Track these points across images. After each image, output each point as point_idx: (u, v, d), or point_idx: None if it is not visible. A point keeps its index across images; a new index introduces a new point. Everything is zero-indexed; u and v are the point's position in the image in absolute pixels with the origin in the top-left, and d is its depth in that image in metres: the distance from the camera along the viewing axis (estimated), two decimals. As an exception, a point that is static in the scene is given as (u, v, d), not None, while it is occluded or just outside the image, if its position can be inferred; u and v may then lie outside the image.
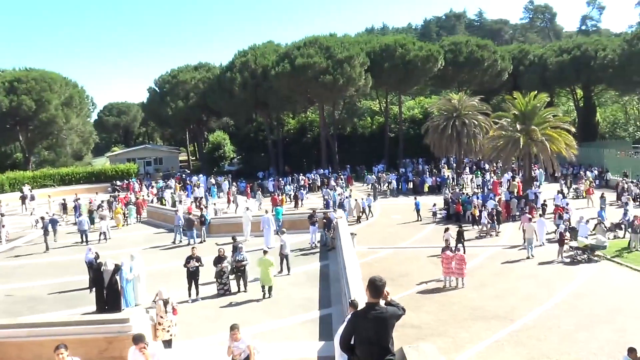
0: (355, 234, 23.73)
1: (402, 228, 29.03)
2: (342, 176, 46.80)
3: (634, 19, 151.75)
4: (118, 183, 49.38)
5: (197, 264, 16.34)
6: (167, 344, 11.80)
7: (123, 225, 31.15)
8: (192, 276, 16.41)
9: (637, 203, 31.46)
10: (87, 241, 25.79)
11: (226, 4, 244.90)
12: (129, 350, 8.40)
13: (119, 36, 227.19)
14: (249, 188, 42.17)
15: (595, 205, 31.24)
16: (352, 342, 5.46)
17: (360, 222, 30.62)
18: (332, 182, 42.96)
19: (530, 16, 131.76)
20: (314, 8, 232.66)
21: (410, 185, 43.55)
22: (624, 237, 24.07)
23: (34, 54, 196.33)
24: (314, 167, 53.17)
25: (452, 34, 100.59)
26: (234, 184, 44.69)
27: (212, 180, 46.31)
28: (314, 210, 26.77)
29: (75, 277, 19.07)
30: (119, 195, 40.30)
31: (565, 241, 21.77)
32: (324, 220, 23.97)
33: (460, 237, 22.72)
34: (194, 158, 74.44)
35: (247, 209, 28.32)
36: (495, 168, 45.94)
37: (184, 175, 54.73)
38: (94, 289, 16.01)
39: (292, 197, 39.52)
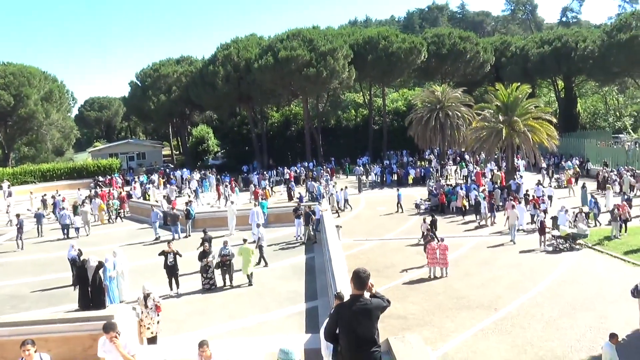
0: (341, 226, 23.77)
1: (387, 220, 29.17)
2: (327, 169, 46.82)
3: (613, 11, 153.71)
4: (100, 179, 48.82)
5: (172, 259, 16.22)
6: (152, 341, 11.72)
7: (109, 221, 30.83)
8: (171, 271, 16.33)
9: (619, 193, 31.88)
10: (68, 236, 25.70)
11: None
12: (99, 340, 7.71)
13: (99, 30, 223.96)
14: (233, 182, 41.98)
15: (576, 195, 31.67)
16: (337, 333, 5.46)
17: (339, 215, 30.53)
18: (323, 174, 42.96)
19: (512, 8, 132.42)
20: (297, 1, 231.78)
21: (395, 177, 43.73)
22: (595, 226, 24.51)
23: (12, 48, 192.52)
24: (298, 160, 53.13)
25: (435, 26, 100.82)
26: (219, 177, 44.46)
27: (197, 175, 46.00)
28: (299, 204, 26.78)
29: (58, 275, 18.85)
30: (101, 190, 39.82)
31: (547, 230, 22.06)
32: (306, 214, 23.80)
33: (432, 227, 23.05)
34: (178, 152, 73.87)
35: (232, 202, 28.21)
36: (478, 159, 46.31)
37: (167, 170, 54.30)
38: (77, 287, 15.84)
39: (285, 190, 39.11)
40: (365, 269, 5.56)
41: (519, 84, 34.60)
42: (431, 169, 43.83)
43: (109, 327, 7.47)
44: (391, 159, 51.31)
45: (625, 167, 37.68)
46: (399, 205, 30.97)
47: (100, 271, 15.00)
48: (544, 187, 32.15)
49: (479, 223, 27.04)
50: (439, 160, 47.56)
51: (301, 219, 23.66)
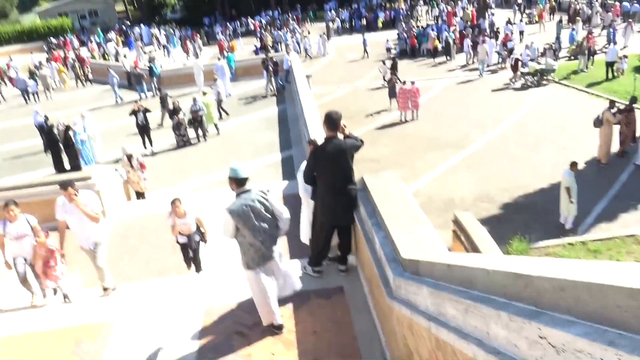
0: (311, 76, 23.38)
1: (357, 66, 28.74)
2: (293, 17, 44.68)
3: None
4: (53, 41, 45.84)
5: (143, 118, 15.98)
6: (141, 196, 12.03)
7: (78, 83, 29.58)
8: (143, 130, 16.19)
9: (587, 25, 31.53)
10: (28, 100, 25.04)
11: None
12: (57, 201, 6.67)
13: None
14: (196, 36, 39.97)
15: (547, 30, 31.29)
16: (314, 174, 5.64)
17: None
18: (290, 22, 41.13)
19: None
20: None
21: (364, 21, 42.16)
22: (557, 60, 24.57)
23: None
24: (262, 10, 50.32)
25: None
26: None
27: (155, 30, 43.51)
28: (267, 55, 25.95)
29: (27, 142, 18.57)
30: (53, 53, 37.59)
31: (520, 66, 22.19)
32: (272, 66, 23.05)
33: (394, 69, 23.15)
34: (132, 7, 68.91)
35: (197, 57, 27.17)
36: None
37: (124, 27, 51.07)
38: (49, 152, 15.71)
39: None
40: (336, 111, 5.59)
41: None
42: (401, 11, 42.18)
43: (67, 183, 6.57)
44: (359, 3, 48.96)
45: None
46: (365, 51, 30.33)
47: (71, 134, 14.78)
48: (514, 24, 31.50)
49: (466, 62, 26.77)
50: (409, 1, 45.60)
51: (270, 70, 23.03)
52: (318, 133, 10.65)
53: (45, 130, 15.89)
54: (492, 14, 35.47)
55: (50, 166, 15.18)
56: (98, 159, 15.75)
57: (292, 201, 9.68)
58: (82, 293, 7.17)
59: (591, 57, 23.14)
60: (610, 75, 21.04)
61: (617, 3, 33.43)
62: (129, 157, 11.81)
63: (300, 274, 6.12)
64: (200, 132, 16.99)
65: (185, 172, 14.54)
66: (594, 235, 10.49)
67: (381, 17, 40.86)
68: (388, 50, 30.38)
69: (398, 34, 32.88)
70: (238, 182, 4.78)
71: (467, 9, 37.74)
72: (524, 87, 21.48)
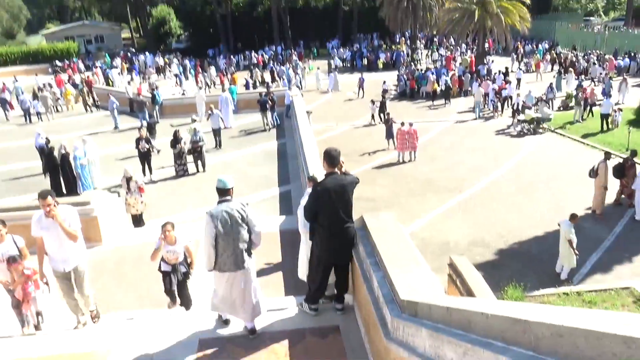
0: (311, 112, 23.71)
1: (357, 105, 29.15)
2: (296, 53, 45.57)
3: None
4: (58, 63, 46.44)
5: (147, 145, 16.16)
6: (136, 220, 12.03)
7: (86, 109, 29.76)
8: (144, 157, 16.33)
9: (584, 77, 32.30)
10: (31, 120, 25.27)
11: None
12: (33, 217, 6.15)
13: None
14: (199, 67, 40.60)
15: (544, 80, 31.98)
16: (316, 211, 5.69)
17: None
18: (293, 58, 41.88)
19: None
20: None
21: (365, 61, 43.02)
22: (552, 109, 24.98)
23: None
24: (266, 44, 51.36)
25: None
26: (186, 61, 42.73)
27: (159, 59, 44.18)
28: (268, 90, 26.34)
29: (27, 164, 18.61)
30: (57, 76, 38.00)
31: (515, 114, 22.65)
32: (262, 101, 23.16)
33: (382, 108, 23.98)
34: (138, 35, 70.13)
35: (200, 88, 27.56)
36: (447, 43, 45.62)
37: (129, 54, 51.86)
38: (47, 175, 15.75)
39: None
40: (336, 148, 5.69)
41: (495, -38, 33.26)
42: (402, 53, 43.12)
43: (46, 193, 5.95)
44: (361, 43, 50.06)
45: (594, 50, 37.88)
46: (360, 89, 30.76)
47: (71, 159, 14.87)
48: (512, 71, 32.17)
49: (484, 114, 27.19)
50: (410, 44, 46.66)
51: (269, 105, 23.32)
52: (317, 169, 10.76)
53: (45, 152, 15.98)
54: (492, 61, 36.31)
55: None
56: (96, 185, 15.78)
57: (290, 237, 9.73)
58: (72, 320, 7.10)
59: (587, 108, 23.61)
60: (605, 127, 21.43)
61: (612, 57, 34.34)
62: (128, 180, 11.88)
63: (297, 310, 6.12)
64: (199, 162, 17.11)
65: (184, 202, 14.57)
66: (588, 286, 10.51)
67: (382, 58, 41.74)
68: (384, 91, 30.62)
69: (398, 76, 33.49)
70: (222, 192, 5.33)
71: (466, 55, 38.67)
72: (521, 134, 21.83)
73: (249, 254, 5.44)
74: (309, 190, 6.22)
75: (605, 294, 10.10)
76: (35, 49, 53.87)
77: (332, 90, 32.76)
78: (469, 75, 31.04)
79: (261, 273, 9.11)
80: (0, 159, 19.96)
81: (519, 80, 29.94)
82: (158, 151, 17.86)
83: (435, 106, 28.06)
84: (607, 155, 14.14)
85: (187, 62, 42.02)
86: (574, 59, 35.02)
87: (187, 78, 37.61)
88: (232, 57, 44.93)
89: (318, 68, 37.68)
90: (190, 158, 17.11)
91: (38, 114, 26.47)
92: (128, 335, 6.15)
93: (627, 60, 34.16)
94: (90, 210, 9.92)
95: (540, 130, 22.03)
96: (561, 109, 25.30)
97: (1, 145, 22.35)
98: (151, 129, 18.74)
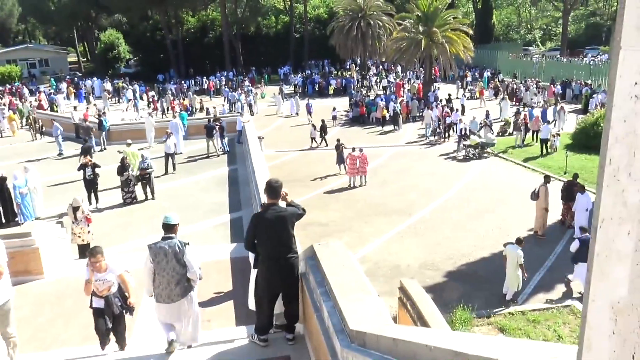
0: (263, 137, 23.78)
1: (307, 130, 29.37)
2: (248, 79, 45.74)
3: None
4: (-1, 88, 44.80)
5: (92, 172, 15.72)
6: (83, 251, 11.61)
7: (34, 136, 28.57)
8: (90, 185, 15.87)
9: (521, 103, 33.81)
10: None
11: None
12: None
13: None
14: (148, 92, 40.03)
15: (487, 106, 33.30)
16: (255, 241, 5.71)
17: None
18: (247, 84, 41.98)
19: None
20: None
21: (317, 87, 43.62)
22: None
23: None
24: (217, 70, 51.31)
25: None
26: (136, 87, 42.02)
27: (107, 84, 43.30)
28: (215, 115, 26.26)
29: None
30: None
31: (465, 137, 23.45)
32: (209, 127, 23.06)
33: (322, 132, 24.95)
34: (85, 59, 68.67)
35: (149, 114, 27.16)
36: (395, 71, 46.96)
37: (75, 79, 50.61)
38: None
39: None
40: (277, 179, 5.75)
41: (439, -7, 34.73)
42: (352, 80, 44.01)
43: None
44: (313, 69, 50.81)
45: (532, 79, 39.86)
46: (308, 114, 31.04)
47: (10, 187, 14.26)
48: (457, 98, 33.38)
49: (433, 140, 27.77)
50: (360, 71, 47.73)
51: (216, 131, 23.16)
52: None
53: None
54: (438, 88, 37.58)
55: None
56: (38, 214, 15.16)
57: (241, 265, 9.64)
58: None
59: (527, 133, 24.66)
60: (544, 152, 22.47)
61: (551, 85, 36.20)
62: (75, 209, 11.51)
63: (247, 342, 6.05)
64: (148, 189, 16.77)
65: (132, 230, 14.21)
66: (532, 305, 10.89)
67: (333, 84, 42.46)
68: (334, 118, 31.03)
69: (350, 103, 34.10)
70: (166, 228, 5.76)
71: (414, 82, 39.91)
72: (467, 159, 22.58)
73: (186, 290, 5.74)
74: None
75: (547, 313, 10.49)
76: (-25, 73, 51.85)
77: (293, 114, 33.06)
78: (417, 102, 31.98)
79: (211, 302, 8.97)
80: None
81: (463, 106, 31.06)
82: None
83: (385, 131, 28.68)
84: (547, 179, 14.81)
85: (136, 87, 41.34)
86: (515, 86, 36.70)
87: (134, 102, 37.05)
88: (183, 82, 44.59)
89: (280, 93, 37.93)
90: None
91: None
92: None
93: (558, 86, 36.04)
94: (31, 242, 9.54)
95: (485, 155, 22.86)
96: (500, 134, 26.34)
97: None
98: (86, 153, 18.29)
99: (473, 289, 11.58)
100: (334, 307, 4.67)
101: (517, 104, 32.59)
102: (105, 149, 24.35)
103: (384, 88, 41.36)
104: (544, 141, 22.53)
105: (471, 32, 36.68)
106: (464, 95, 36.68)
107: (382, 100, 31.70)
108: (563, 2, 55.91)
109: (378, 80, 44.49)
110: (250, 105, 34.35)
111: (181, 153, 22.63)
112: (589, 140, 21.86)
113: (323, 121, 26.07)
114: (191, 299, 5.90)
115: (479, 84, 39.13)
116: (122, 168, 16.19)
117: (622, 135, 1.49)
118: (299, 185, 19.25)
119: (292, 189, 18.48)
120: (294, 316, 5.99)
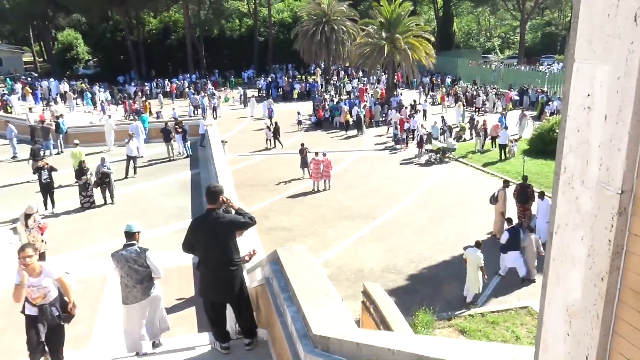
0: (226, 141, 23.58)
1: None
2: (211, 81, 45.28)
3: None
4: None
5: (48, 175, 15.22)
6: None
7: None
8: (46, 189, 15.36)
9: (479, 109, 34.62)
10: None
11: None
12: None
13: None
14: (108, 94, 39.09)
15: (448, 112, 33.99)
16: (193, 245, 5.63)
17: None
18: (210, 87, 41.46)
19: None
20: None
21: (281, 91, 43.54)
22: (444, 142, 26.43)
23: None
24: (180, 72, 50.57)
25: None
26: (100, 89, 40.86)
27: (64, 86, 42.04)
28: (177, 119, 25.89)
29: None
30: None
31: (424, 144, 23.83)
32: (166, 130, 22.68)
33: (276, 134, 25.59)
34: (41, 59, 66.56)
35: (109, 117, 26.54)
36: (358, 76, 47.39)
37: (30, 79, 48.96)
38: None
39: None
40: (216, 184, 5.70)
41: (401, 0, 35.25)
42: (316, 84, 44.15)
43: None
44: (277, 73, 50.72)
45: (491, 85, 40.92)
46: (269, 119, 30.91)
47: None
48: (419, 104, 33.92)
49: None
50: (324, 76, 47.94)
51: (179, 135, 22.88)
52: (232, 200, 10.68)
53: None
54: (401, 93, 38.12)
55: None
56: (-10, 219, 14.59)
57: (203, 270, 9.48)
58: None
59: (487, 139, 25.23)
60: (503, 157, 23.06)
61: (509, 91, 37.24)
62: (27, 217, 11.10)
63: (209, 348, 5.97)
64: (107, 193, 16.37)
65: (89, 236, 13.82)
66: (491, 307, 11.14)
67: (297, 88, 42.49)
68: (299, 122, 31.09)
69: (314, 107, 34.20)
70: (127, 235, 6.12)
71: (377, 87, 40.37)
72: (428, 163, 22.94)
73: (147, 292, 6.11)
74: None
75: (506, 314, 10.74)
76: None
77: (266, 117, 32.72)
78: (379, 107, 32.34)
79: (174, 309, 8.82)
80: None
81: (424, 111, 31.59)
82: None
83: (349, 136, 28.87)
84: (506, 184, 15.20)
85: (95, 89, 40.29)
86: (475, 92, 37.57)
87: (95, 106, 36.16)
88: (145, 84, 43.77)
89: (254, 96, 37.66)
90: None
91: None
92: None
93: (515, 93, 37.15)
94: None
95: (446, 160, 23.29)
96: (455, 140, 26.85)
97: None
98: (35, 155, 17.78)
99: (434, 292, 11.76)
100: (297, 312, 4.67)
101: (477, 111, 33.31)
102: (62, 152, 23.65)
103: (348, 93, 41.70)
104: (502, 147, 23.13)
105: (433, 39, 37.40)
106: (426, 101, 37.30)
107: (345, 104, 31.92)
108: (520, 11, 57.69)
109: (341, 85, 44.73)
110: (213, 109, 33.98)
111: (142, 156, 22.19)
112: (545, 146, 22.60)
113: (276, 123, 26.48)
114: (155, 297, 6.26)
115: (441, 89, 39.88)
116: (80, 171, 15.76)
117: (576, 145, 1.55)
118: (262, 189, 19.16)
119: (255, 193, 18.48)
120: (246, 322, 5.88)
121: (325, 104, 33.35)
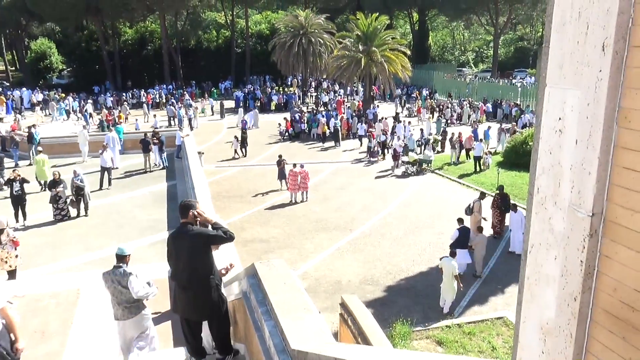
0: (203, 153, 23.43)
1: (249, 145, 29.23)
2: (188, 92, 45.02)
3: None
4: None
5: (20, 187, 14.91)
6: (11, 275, 10.93)
7: None
8: (18, 201, 15.04)
9: (459, 122, 35.23)
10: None
11: None
12: None
13: None
14: (90, 104, 38.52)
15: (423, 124, 34.42)
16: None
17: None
18: (187, 98, 41.17)
19: None
20: None
21: (258, 103, 43.52)
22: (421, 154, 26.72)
23: None
24: (156, 83, 50.20)
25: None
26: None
27: (37, 97, 41.33)
28: (154, 130, 25.70)
29: None
30: None
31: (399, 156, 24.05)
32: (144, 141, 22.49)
33: (243, 144, 26.26)
34: (13, 69, 65.33)
35: (84, 127, 26.16)
36: (334, 88, 47.71)
37: (1, 89, 48.01)
38: None
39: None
40: (188, 200, 5.65)
41: (378, 14, 35.76)
42: (294, 96, 44.25)
43: None
44: (254, 84, 50.72)
45: (465, 98, 41.61)
46: (243, 130, 30.84)
47: None
48: (393, 117, 34.33)
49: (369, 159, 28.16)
50: (301, 87, 48.13)
51: (158, 145, 22.72)
52: (209, 211, 10.60)
53: None
54: (378, 106, 38.48)
55: None
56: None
57: (179, 284, 9.36)
58: None
59: (462, 151, 25.59)
60: (478, 169, 23.42)
61: (482, 104, 37.90)
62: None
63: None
64: (82, 205, 16.10)
65: (62, 249, 13.55)
66: (468, 318, 11.24)
67: (275, 99, 42.54)
68: (281, 133, 31.25)
69: (291, 119, 34.24)
70: (117, 258, 6.44)
71: (355, 99, 40.68)
72: (405, 175, 23.14)
73: (131, 311, 6.38)
74: None
75: (482, 325, 10.86)
76: None
77: (253, 127, 32.87)
78: (356, 119, 32.56)
79: (149, 324, 8.66)
80: None
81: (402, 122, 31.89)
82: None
83: (326, 147, 28.97)
84: (482, 195, 15.45)
85: (69, 99, 39.66)
86: (449, 105, 38.15)
87: (68, 116, 35.62)
88: (122, 94, 43.29)
89: (220, 108, 37.58)
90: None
91: None
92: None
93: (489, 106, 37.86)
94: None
95: (423, 172, 23.53)
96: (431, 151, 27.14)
97: None
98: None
99: (412, 303, 11.83)
100: (275, 326, 4.65)
101: (447, 123, 33.76)
102: (32, 164, 23.14)
103: (325, 104, 41.87)
104: (477, 159, 23.49)
105: (409, 52, 37.94)
106: (402, 113, 37.69)
107: (323, 116, 32.06)
108: (494, 26, 58.96)
109: (318, 96, 44.93)
110: (190, 120, 33.77)
111: (117, 168, 21.90)
112: (518, 158, 23.04)
113: (244, 133, 26.99)
114: (141, 318, 6.52)
115: (417, 102, 40.39)
116: (54, 183, 15.47)
117: (548, 167, 1.60)
118: (239, 201, 19.07)
119: (232, 204, 18.38)
120: (219, 337, 5.77)
121: (303, 115, 33.46)
